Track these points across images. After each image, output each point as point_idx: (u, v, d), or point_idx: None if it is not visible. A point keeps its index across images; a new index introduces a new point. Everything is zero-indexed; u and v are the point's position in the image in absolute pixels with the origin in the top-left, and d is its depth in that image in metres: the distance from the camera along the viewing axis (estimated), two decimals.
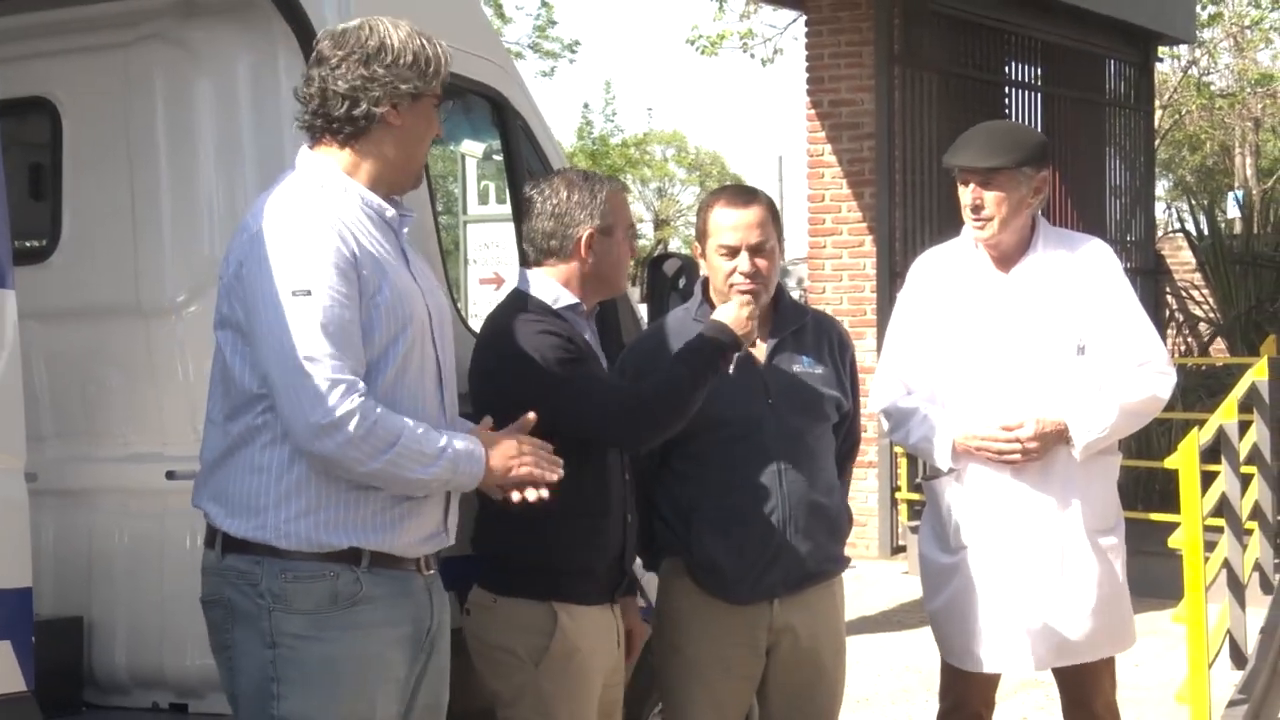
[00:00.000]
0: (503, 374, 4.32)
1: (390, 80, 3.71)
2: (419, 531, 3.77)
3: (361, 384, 3.57)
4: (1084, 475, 4.96)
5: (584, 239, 4.44)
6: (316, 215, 3.63)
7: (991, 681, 5.22)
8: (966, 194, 4.98)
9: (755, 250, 4.63)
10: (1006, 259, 5.03)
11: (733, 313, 4.45)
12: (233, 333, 3.67)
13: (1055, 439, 4.89)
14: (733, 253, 4.64)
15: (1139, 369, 4.94)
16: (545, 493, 3.84)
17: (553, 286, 4.45)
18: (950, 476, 5.05)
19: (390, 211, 3.80)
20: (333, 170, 3.75)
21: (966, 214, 5.01)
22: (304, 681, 3.61)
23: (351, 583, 3.65)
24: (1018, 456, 4.88)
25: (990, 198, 4.93)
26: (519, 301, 4.45)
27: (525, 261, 4.55)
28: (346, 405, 3.51)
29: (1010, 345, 4.95)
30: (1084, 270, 4.99)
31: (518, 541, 4.32)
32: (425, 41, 3.78)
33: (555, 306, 4.43)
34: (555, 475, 3.86)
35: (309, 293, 3.53)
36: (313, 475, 3.61)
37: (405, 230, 3.87)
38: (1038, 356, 4.93)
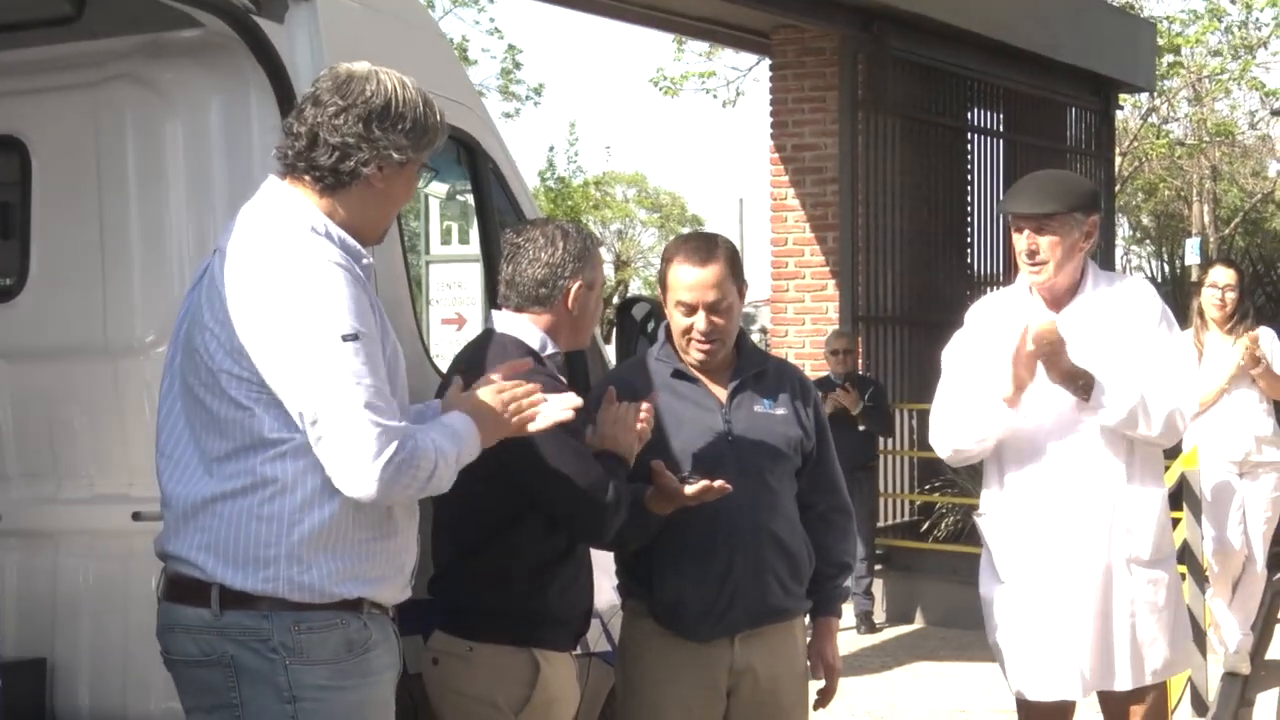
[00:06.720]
0: None
1: (386, 145, 3.60)
2: (401, 581, 3.72)
3: (407, 425, 3.52)
4: (1129, 506, 5.05)
5: (572, 291, 4.42)
6: (333, 260, 3.52)
7: (1057, 710, 5.21)
8: (1022, 240, 5.10)
9: (712, 309, 4.64)
10: (1058, 300, 5.16)
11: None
12: (236, 379, 3.50)
13: (1064, 362, 4.90)
14: (690, 310, 4.65)
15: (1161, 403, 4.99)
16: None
17: (537, 334, 4.42)
18: (994, 511, 5.16)
19: (367, 259, 3.68)
20: (313, 213, 3.62)
21: (1022, 259, 5.12)
22: None
23: (361, 629, 3.57)
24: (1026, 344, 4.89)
25: (1045, 242, 5.05)
26: (507, 345, 4.36)
27: (501, 306, 4.49)
28: (403, 452, 3.43)
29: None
30: (1130, 311, 5.12)
31: (490, 588, 4.26)
32: (428, 109, 3.68)
33: (543, 354, 4.39)
34: (569, 410, 3.88)
35: (357, 337, 3.44)
36: (325, 526, 3.50)
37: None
38: None
